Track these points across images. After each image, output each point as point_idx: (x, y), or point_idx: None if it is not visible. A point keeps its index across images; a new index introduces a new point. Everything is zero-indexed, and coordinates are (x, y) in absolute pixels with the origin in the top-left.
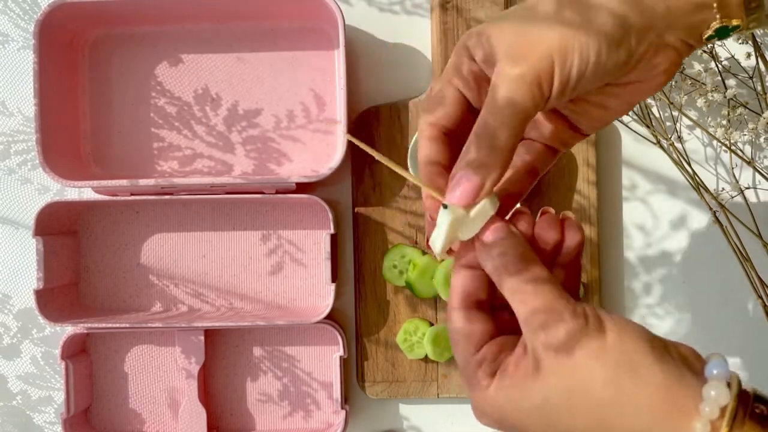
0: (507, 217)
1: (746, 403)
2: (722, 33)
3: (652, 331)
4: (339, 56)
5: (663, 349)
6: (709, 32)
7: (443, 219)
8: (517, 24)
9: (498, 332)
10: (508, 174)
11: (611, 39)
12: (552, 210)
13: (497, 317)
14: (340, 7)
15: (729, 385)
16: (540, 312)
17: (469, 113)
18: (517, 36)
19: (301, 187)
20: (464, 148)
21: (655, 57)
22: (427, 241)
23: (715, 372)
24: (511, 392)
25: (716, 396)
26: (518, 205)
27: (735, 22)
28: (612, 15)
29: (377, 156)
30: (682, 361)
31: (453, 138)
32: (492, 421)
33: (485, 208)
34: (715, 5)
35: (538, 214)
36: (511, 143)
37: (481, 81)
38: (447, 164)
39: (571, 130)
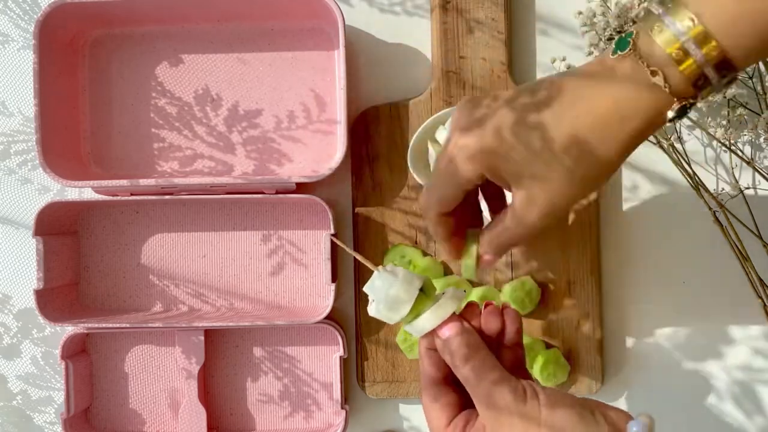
0: (459, 312)
1: None
2: (682, 112)
3: (583, 399)
4: (339, 56)
5: (590, 416)
6: (671, 114)
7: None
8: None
9: (463, 399)
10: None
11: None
12: (494, 302)
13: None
14: (340, 8)
15: None
16: (487, 391)
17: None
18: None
19: (301, 187)
20: (488, 237)
21: None
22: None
23: (634, 429)
24: None
25: None
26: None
27: (692, 100)
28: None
29: (360, 258)
30: (608, 425)
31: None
32: None
33: (446, 304)
34: (667, 89)
35: (483, 306)
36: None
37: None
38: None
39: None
